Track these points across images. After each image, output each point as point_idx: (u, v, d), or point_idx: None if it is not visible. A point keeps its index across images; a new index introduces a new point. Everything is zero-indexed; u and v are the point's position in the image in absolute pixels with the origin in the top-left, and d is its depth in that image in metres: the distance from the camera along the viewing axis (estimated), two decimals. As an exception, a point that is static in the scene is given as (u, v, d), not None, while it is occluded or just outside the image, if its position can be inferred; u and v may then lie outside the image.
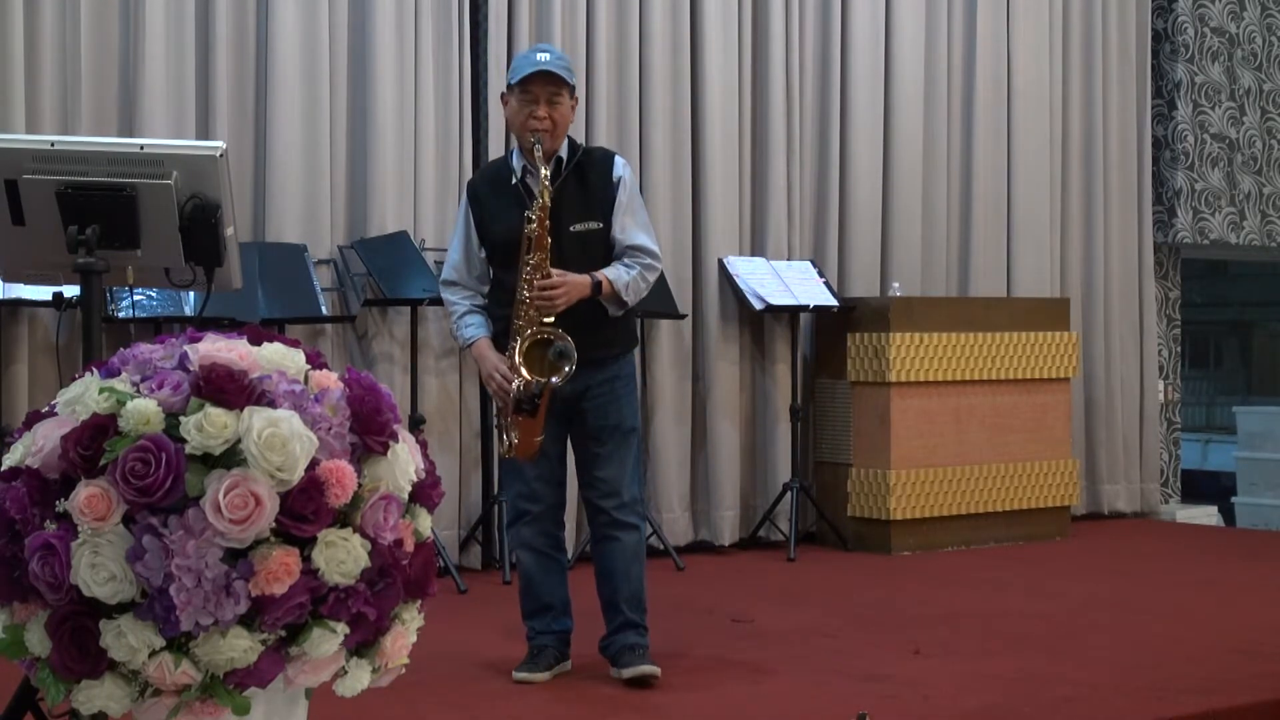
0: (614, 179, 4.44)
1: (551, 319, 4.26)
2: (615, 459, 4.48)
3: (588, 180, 4.42)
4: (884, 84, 7.75)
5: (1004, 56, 8.14)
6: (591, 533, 4.61)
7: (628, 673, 4.37)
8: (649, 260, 4.43)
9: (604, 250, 4.42)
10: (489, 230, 4.44)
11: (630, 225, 4.44)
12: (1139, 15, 8.65)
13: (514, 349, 4.27)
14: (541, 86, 4.31)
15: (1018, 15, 8.17)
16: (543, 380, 4.24)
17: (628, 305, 4.42)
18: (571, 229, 4.37)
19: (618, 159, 4.52)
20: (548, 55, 4.36)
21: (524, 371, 4.25)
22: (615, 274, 4.37)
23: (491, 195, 4.48)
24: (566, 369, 4.23)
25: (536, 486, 4.50)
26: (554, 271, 4.27)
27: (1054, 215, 8.30)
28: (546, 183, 4.26)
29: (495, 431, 4.76)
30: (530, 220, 4.25)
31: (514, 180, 4.43)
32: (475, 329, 4.46)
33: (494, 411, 4.42)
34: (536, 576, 4.53)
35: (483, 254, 4.48)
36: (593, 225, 4.40)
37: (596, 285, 4.33)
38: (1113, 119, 8.52)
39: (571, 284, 4.28)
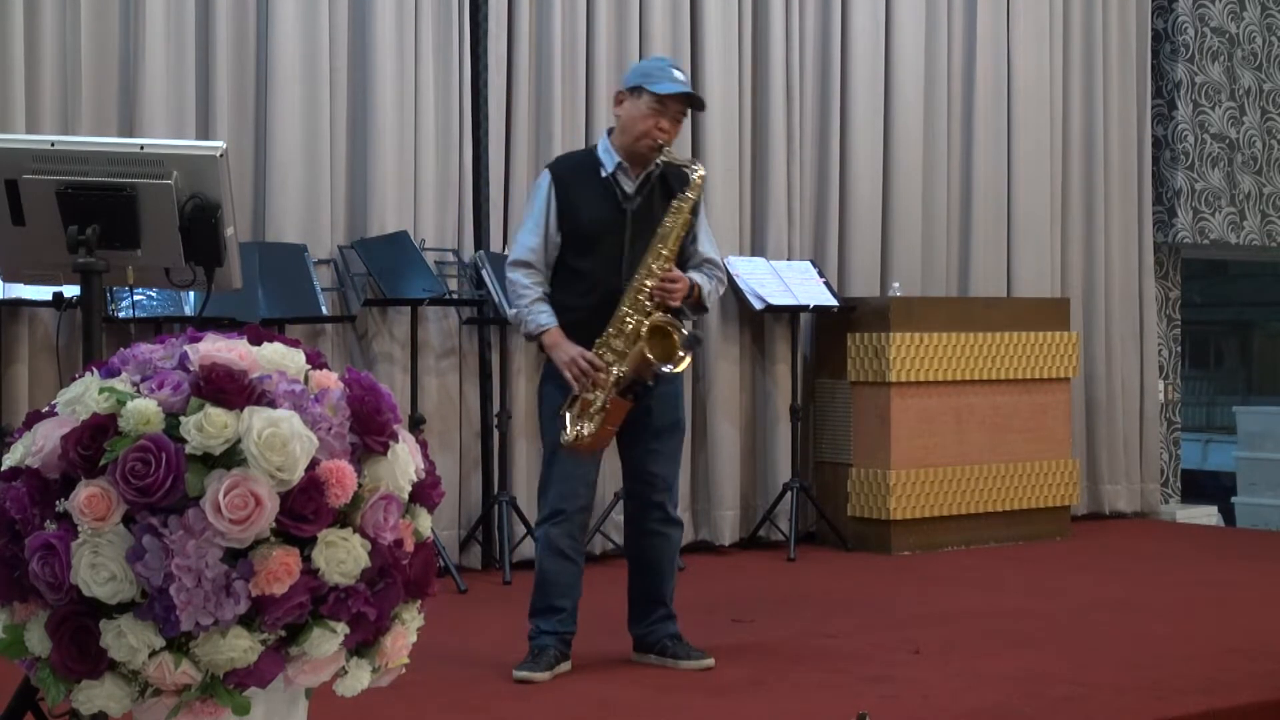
0: None
1: (663, 311, 4.40)
2: (671, 456, 4.65)
3: (672, 190, 4.58)
4: (884, 84, 7.75)
5: (1004, 56, 8.14)
6: (636, 527, 4.67)
7: (689, 665, 4.53)
8: (721, 275, 4.71)
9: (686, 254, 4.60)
10: (575, 217, 4.51)
11: (704, 239, 4.68)
12: (1139, 15, 8.65)
13: (628, 318, 4.38)
14: (678, 105, 4.50)
15: (1018, 15, 8.17)
16: (668, 364, 4.36)
17: (705, 311, 4.66)
18: (659, 231, 4.51)
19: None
20: (684, 76, 4.57)
21: (648, 350, 4.34)
22: (702, 280, 4.56)
23: (580, 183, 4.55)
24: (688, 359, 4.39)
25: (579, 487, 4.56)
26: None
27: (1054, 215, 8.30)
28: (700, 177, 4.49)
29: (533, 425, 4.77)
30: (680, 209, 4.44)
31: (604, 173, 4.52)
32: (549, 316, 4.50)
33: (563, 402, 4.44)
34: (554, 578, 4.55)
35: (559, 239, 4.53)
36: None
37: (692, 288, 4.52)
38: (1113, 119, 8.52)
39: (685, 282, 4.47)
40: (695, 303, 4.56)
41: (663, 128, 4.45)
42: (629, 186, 4.53)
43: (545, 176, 4.61)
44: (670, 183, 4.58)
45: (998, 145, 8.11)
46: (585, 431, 4.40)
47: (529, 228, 4.57)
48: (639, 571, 4.67)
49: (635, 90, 4.50)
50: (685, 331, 4.42)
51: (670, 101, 4.47)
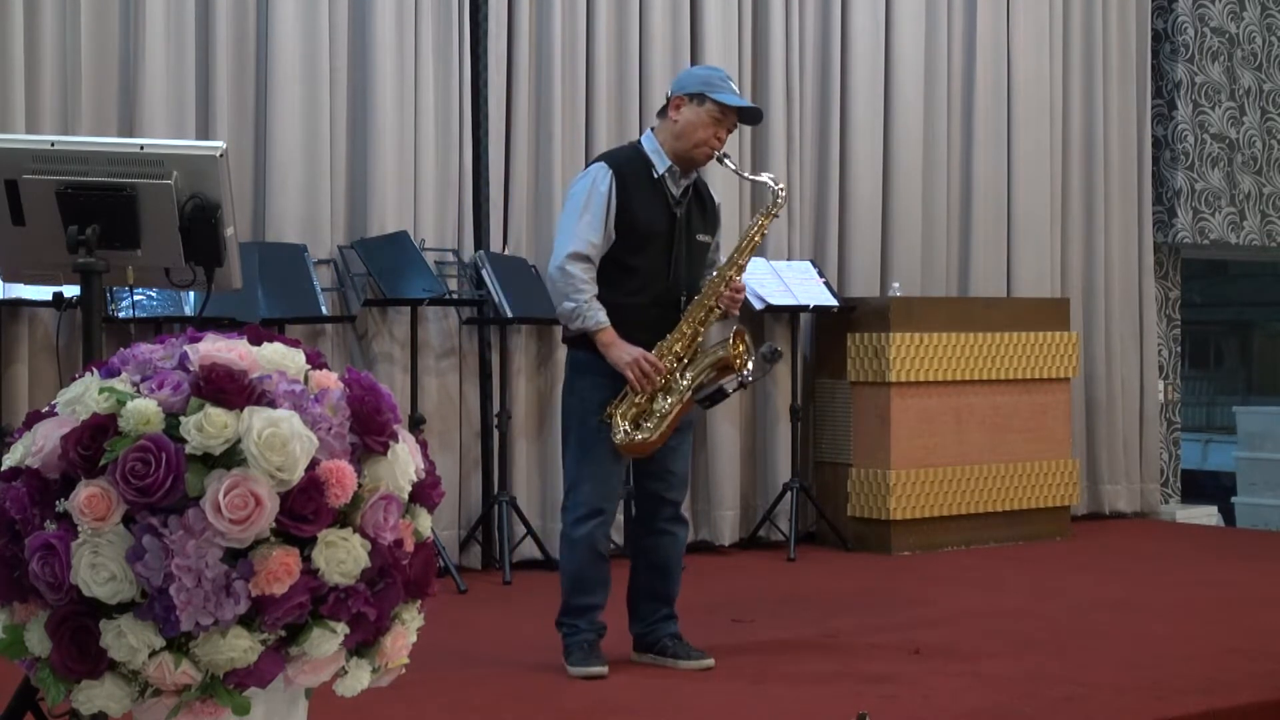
0: (716, 204, 4.78)
1: (723, 318, 4.56)
2: (687, 454, 4.75)
3: (704, 199, 4.70)
4: (884, 84, 7.75)
5: (1004, 57, 8.14)
6: (646, 525, 4.69)
7: (689, 664, 4.55)
8: None
9: (706, 262, 4.69)
10: (632, 216, 4.52)
11: (719, 248, 4.78)
12: (1139, 15, 8.65)
13: (699, 324, 4.49)
14: (735, 118, 4.59)
15: (1018, 15, 8.18)
16: (746, 372, 4.47)
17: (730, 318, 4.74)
18: (697, 237, 4.63)
19: (711, 188, 4.85)
20: (738, 89, 4.69)
21: (734, 360, 4.45)
22: None
23: (635, 182, 4.57)
24: (757, 372, 4.52)
25: (615, 486, 4.62)
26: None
27: (1054, 215, 8.30)
28: (782, 189, 4.67)
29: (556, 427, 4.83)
30: (762, 225, 4.58)
31: (655, 174, 4.57)
32: (605, 315, 4.48)
33: (615, 400, 4.48)
34: (592, 576, 4.58)
35: (614, 236, 4.53)
36: (708, 238, 4.69)
37: None
38: (1113, 119, 8.52)
39: (745, 292, 4.61)
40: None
41: (720, 137, 4.54)
42: (676, 190, 4.58)
43: (605, 171, 4.53)
44: (701, 193, 4.68)
45: (998, 145, 8.11)
46: (645, 434, 4.43)
47: (589, 222, 4.48)
48: (646, 570, 4.68)
49: (697, 98, 4.52)
50: (770, 346, 4.67)
51: (730, 113, 4.54)
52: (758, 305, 6.97)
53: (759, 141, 7.38)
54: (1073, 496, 7.74)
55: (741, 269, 4.55)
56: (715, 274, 4.54)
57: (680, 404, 4.45)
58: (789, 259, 7.36)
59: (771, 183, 4.71)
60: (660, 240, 4.53)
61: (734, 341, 4.46)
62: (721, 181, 7.06)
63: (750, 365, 4.48)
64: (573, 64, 6.84)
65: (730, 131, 4.58)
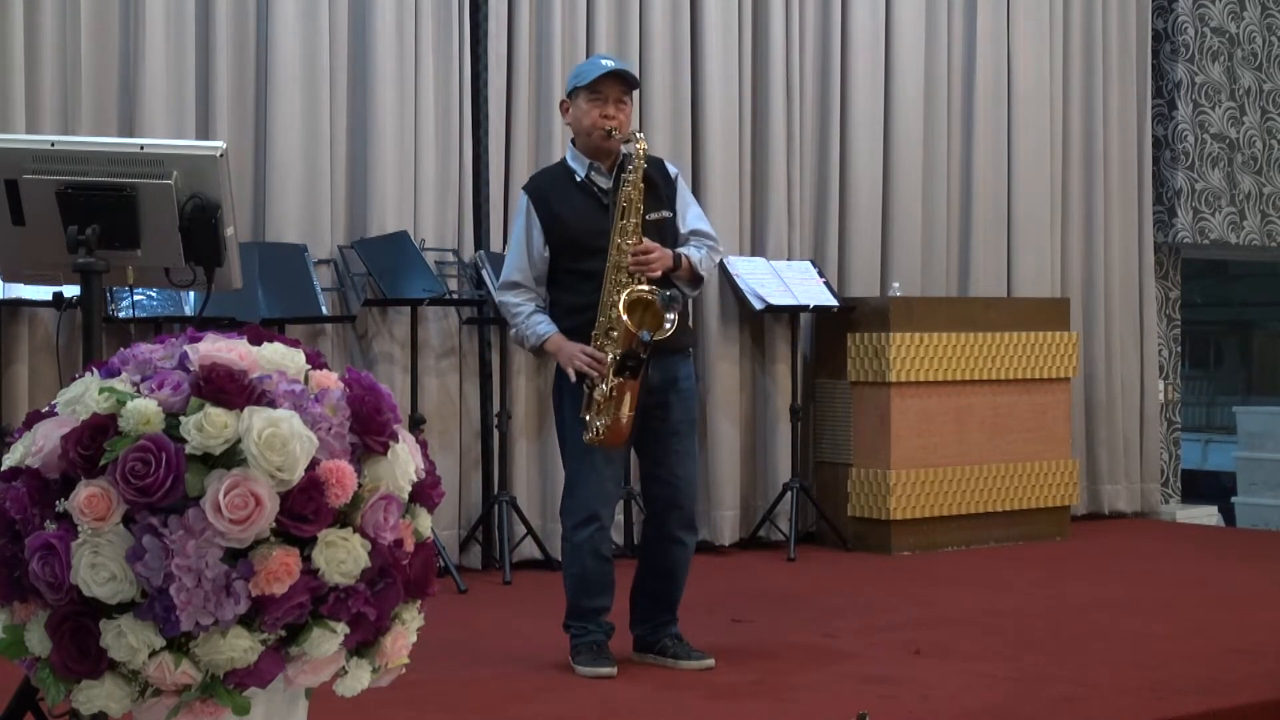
0: (672, 175, 4.71)
1: (645, 284, 4.42)
2: (692, 457, 4.69)
3: (650, 177, 4.61)
4: (884, 84, 7.75)
5: (1004, 57, 8.14)
6: (658, 531, 4.68)
7: (689, 664, 4.56)
8: (713, 243, 4.71)
9: (674, 238, 4.63)
10: (564, 226, 4.55)
11: (692, 214, 4.73)
12: (1139, 15, 8.65)
13: (614, 304, 4.39)
14: (611, 87, 4.53)
15: (1018, 15, 8.18)
16: (651, 331, 4.36)
17: (702, 282, 4.65)
18: (648, 218, 4.55)
19: (666, 161, 4.80)
20: (612, 61, 4.61)
21: (628, 322, 4.36)
22: (688, 251, 4.59)
23: (558, 194, 4.60)
24: (672, 318, 4.37)
25: (610, 488, 4.61)
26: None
27: (1054, 215, 8.30)
28: (642, 148, 4.45)
29: (555, 424, 4.78)
30: (626, 184, 4.44)
31: (579, 178, 4.59)
32: (547, 325, 4.55)
33: (578, 405, 4.47)
34: (598, 579, 4.59)
35: (547, 254, 4.58)
36: (665, 214, 4.62)
37: (678, 258, 4.54)
38: (1113, 119, 8.52)
39: (663, 251, 4.48)
40: (689, 275, 4.57)
41: (608, 115, 4.51)
42: (605, 183, 4.59)
43: (523, 199, 4.66)
44: (647, 170, 4.58)
45: (998, 145, 8.11)
46: (602, 425, 4.41)
47: (512, 249, 4.66)
48: (653, 575, 4.69)
49: (572, 93, 4.60)
50: (665, 292, 4.42)
51: (604, 88, 4.53)
52: (758, 305, 6.97)
53: (759, 141, 7.38)
54: (1073, 496, 7.74)
55: (632, 232, 4.41)
56: (610, 246, 4.43)
57: (612, 383, 4.38)
58: (789, 259, 7.35)
59: (633, 141, 4.50)
60: (605, 237, 4.48)
61: (633, 309, 4.37)
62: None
63: (666, 318, 4.36)
64: (573, 64, 6.80)
65: (620, 104, 4.52)
